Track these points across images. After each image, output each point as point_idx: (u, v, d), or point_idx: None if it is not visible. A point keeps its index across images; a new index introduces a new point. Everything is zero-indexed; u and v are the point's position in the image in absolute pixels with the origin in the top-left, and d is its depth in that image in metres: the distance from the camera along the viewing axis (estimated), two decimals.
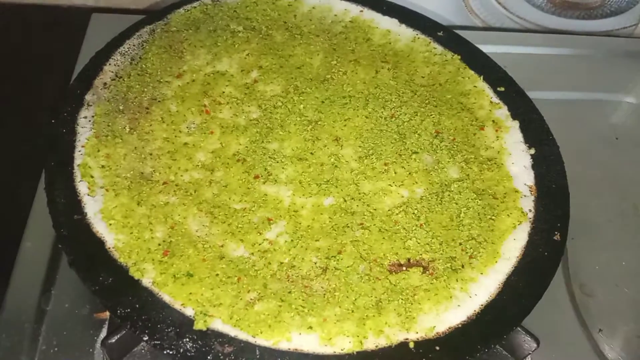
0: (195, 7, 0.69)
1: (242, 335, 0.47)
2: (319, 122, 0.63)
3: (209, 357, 0.46)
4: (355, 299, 0.49)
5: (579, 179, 0.63)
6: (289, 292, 0.49)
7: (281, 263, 0.52)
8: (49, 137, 0.56)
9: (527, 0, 0.91)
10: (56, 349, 0.54)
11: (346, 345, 0.48)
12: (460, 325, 0.49)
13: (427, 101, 0.67)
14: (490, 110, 0.66)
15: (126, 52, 0.64)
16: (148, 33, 0.66)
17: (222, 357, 0.46)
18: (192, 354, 0.46)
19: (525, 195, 0.59)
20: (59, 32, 0.82)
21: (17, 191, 0.65)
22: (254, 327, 0.47)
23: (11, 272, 0.57)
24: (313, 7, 0.75)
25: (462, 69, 0.70)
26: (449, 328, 0.49)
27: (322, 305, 0.49)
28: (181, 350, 0.46)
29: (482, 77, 0.69)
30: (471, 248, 0.54)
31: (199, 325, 0.47)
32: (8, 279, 0.57)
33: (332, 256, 0.52)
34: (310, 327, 0.48)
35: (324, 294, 0.50)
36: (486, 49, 0.74)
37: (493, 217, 0.56)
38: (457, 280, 0.51)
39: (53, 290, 0.57)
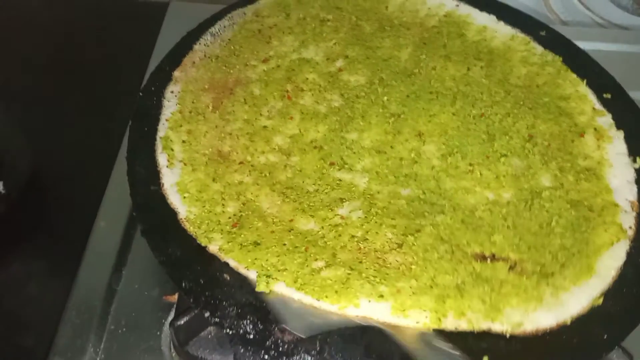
0: None
1: (306, 300, 0.45)
2: (402, 116, 0.60)
3: (267, 343, 0.45)
4: (435, 276, 0.46)
5: None
6: (360, 262, 0.47)
7: (352, 236, 0.49)
8: (135, 108, 0.58)
9: (612, 0, 0.83)
10: (124, 329, 0.55)
11: (422, 319, 0.45)
12: (549, 330, 0.45)
13: (521, 102, 0.62)
14: (592, 117, 0.61)
15: (217, 32, 0.65)
16: (239, 16, 0.67)
17: (281, 344, 0.45)
18: (252, 336, 0.45)
19: (625, 211, 0.53)
20: (135, 24, 0.84)
21: (92, 174, 0.67)
22: (318, 291, 0.45)
23: (84, 251, 0.58)
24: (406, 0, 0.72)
25: (563, 71, 0.65)
26: (537, 329, 0.45)
27: (395, 277, 0.46)
28: (241, 331, 0.45)
29: (585, 81, 0.64)
30: (563, 257, 0.49)
31: (261, 287, 0.46)
32: (80, 257, 0.58)
33: (410, 233, 0.49)
34: (382, 296, 0.45)
35: (399, 267, 0.47)
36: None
37: (588, 230, 0.51)
38: (547, 285, 0.47)
39: (124, 271, 0.57)
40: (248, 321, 0.45)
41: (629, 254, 0.50)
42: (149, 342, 0.54)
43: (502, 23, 0.69)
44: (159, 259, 0.47)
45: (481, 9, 0.70)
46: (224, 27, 0.65)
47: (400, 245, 0.48)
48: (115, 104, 0.71)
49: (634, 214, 0.53)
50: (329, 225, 0.50)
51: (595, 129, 0.59)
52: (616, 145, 0.59)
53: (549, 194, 0.53)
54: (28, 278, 0.61)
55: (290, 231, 0.49)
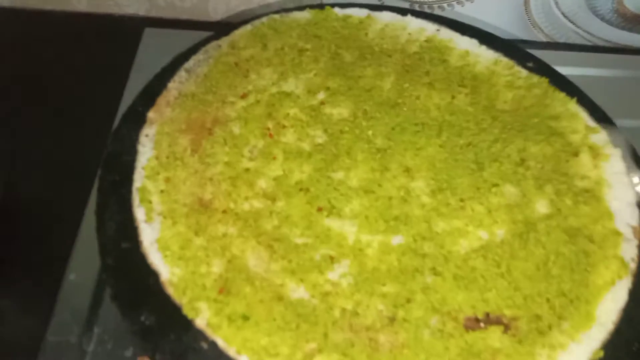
0: (263, 23, 0.66)
1: None
2: (388, 151, 0.58)
3: None
4: (426, 359, 0.44)
5: None
6: (352, 345, 0.45)
7: (344, 309, 0.47)
8: (106, 155, 0.54)
9: (596, 14, 0.82)
10: None
11: None
12: None
13: (509, 127, 0.60)
14: (585, 135, 0.59)
15: (191, 68, 0.61)
16: (214, 49, 0.63)
17: None
18: None
19: (627, 239, 0.52)
20: (111, 41, 0.80)
21: (67, 201, 0.62)
22: None
23: (53, 307, 0.54)
24: (386, 25, 0.70)
25: (551, 91, 0.63)
26: None
27: None
28: None
29: (575, 99, 0.62)
30: (560, 306, 0.47)
31: None
32: (49, 315, 0.54)
33: (401, 305, 0.47)
34: None
35: (391, 350, 0.45)
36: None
37: (588, 268, 0.50)
38: (543, 346, 0.45)
39: (96, 329, 0.53)
40: None
41: (631, 293, 0.49)
42: None
43: (484, 47, 0.68)
44: (131, 328, 0.44)
45: (462, 33, 0.69)
46: (199, 61, 0.62)
47: (391, 321, 0.47)
48: (89, 130, 0.67)
49: (636, 242, 0.52)
50: (320, 293, 0.48)
51: (590, 147, 0.58)
52: (613, 164, 0.57)
53: (545, 225, 0.52)
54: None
55: (280, 300, 0.47)
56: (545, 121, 0.61)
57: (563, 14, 0.83)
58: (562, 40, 0.85)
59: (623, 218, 0.53)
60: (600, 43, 0.84)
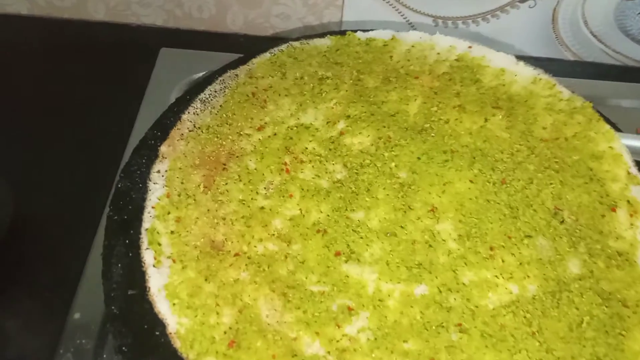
0: (282, 51, 0.63)
1: None
2: (413, 187, 0.55)
3: None
4: None
5: None
6: None
7: None
8: (115, 192, 0.52)
9: (626, 33, 0.77)
10: None
11: None
12: None
13: (547, 164, 0.56)
14: (626, 186, 0.55)
15: (207, 99, 0.59)
16: (231, 78, 0.61)
17: None
18: None
19: None
20: (128, 51, 0.79)
21: (78, 224, 0.60)
22: None
23: (55, 350, 0.52)
24: (412, 46, 0.66)
25: (595, 120, 0.59)
26: None
27: None
28: None
29: (620, 138, 0.58)
30: None
31: None
32: (53, 355, 0.51)
33: None
34: None
35: None
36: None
37: (623, 333, 0.46)
38: None
39: None
40: None
41: None
42: None
43: (522, 64, 0.63)
44: None
45: (497, 49, 0.64)
46: (215, 92, 0.59)
47: None
48: (104, 148, 0.65)
49: None
50: (336, 349, 0.45)
51: (628, 202, 0.54)
52: None
53: (579, 285, 0.48)
54: (3, 335, 0.56)
55: (293, 357, 0.44)
56: (586, 161, 0.57)
57: (592, 32, 0.78)
58: (590, 60, 0.81)
59: None
60: (630, 63, 0.80)
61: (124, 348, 0.44)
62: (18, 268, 0.60)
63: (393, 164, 0.56)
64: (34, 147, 0.69)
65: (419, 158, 0.56)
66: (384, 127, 0.59)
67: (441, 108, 0.60)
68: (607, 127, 0.58)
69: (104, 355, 0.51)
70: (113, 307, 0.46)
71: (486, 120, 0.59)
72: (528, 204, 0.53)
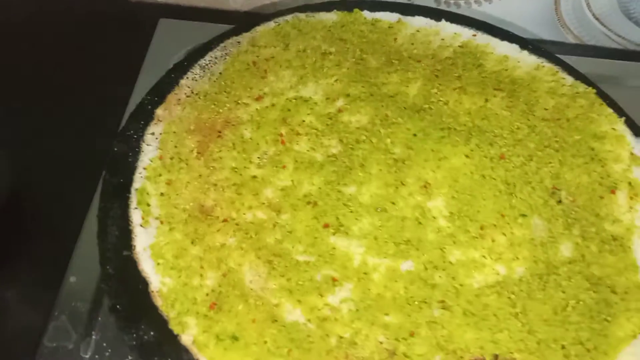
0: (287, 21, 0.63)
1: None
2: (407, 162, 0.54)
3: None
4: None
5: None
6: None
7: (341, 338, 0.44)
8: (111, 155, 0.52)
9: (629, 16, 0.76)
10: None
11: None
12: None
13: (547, 142, 0.55)
14: (628, 167, 0.54)
15: (207, 65, 0.59)
16: (233, 45, 0.60)
17: None
18: None
19: None
20: (127, 26, 0.78)
21: (75, 196, 0.59)
22: None
23: (50, 312, 0.52)
24: (417, 30, 0.66)
25: (597, 104, 0.58)
26: None
27: None
28: None
29: (624, 119, 0.57)
30: (577, 355, 0.43)
31: None
32: (47, 319, 0.52)
33: (403, 338, 0.44)
34: None
35: None
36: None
37: (608, 319, 0.45)
38: None
39: (94, 336, 0.50)
40: None
41: None
42: None
43: (526, 52, 0.63)
44: (128, 343, 0.42)
45: (502, 38, 0.64)
46: (216, 58, 0.59)
47: (391, 355, 0.43)
48: (100, 121, 0.65)
49: None
50: (317, 318, 0.44)
51: (629, 184, 0.53)
52: None
53: (567, 269, 0.48)
54: (2, 305, 0.56)
55: (273, 322, 0.44)
56: (587, 140, 0.56)
57: (595, 15, 0.77)
58: (591, 43, 0.79)
59: None
60: (632, 47, 0.78)
61: (118, 307, 0.44)
62: (17, 238, 0.60)
63: (388, 140, 0.56)
64: (32, 116, 0.69)
65: (415, 135, 0.56)
66: (382, 106, 0.58)
67: (441, 90, 0.60)
68: (610, 110, 0.58)
69: (99, 319, 0.51)
70: (108, 267, 0.46)
71: (486, 100, 0.58)
72: (526, 181, 0.53)
